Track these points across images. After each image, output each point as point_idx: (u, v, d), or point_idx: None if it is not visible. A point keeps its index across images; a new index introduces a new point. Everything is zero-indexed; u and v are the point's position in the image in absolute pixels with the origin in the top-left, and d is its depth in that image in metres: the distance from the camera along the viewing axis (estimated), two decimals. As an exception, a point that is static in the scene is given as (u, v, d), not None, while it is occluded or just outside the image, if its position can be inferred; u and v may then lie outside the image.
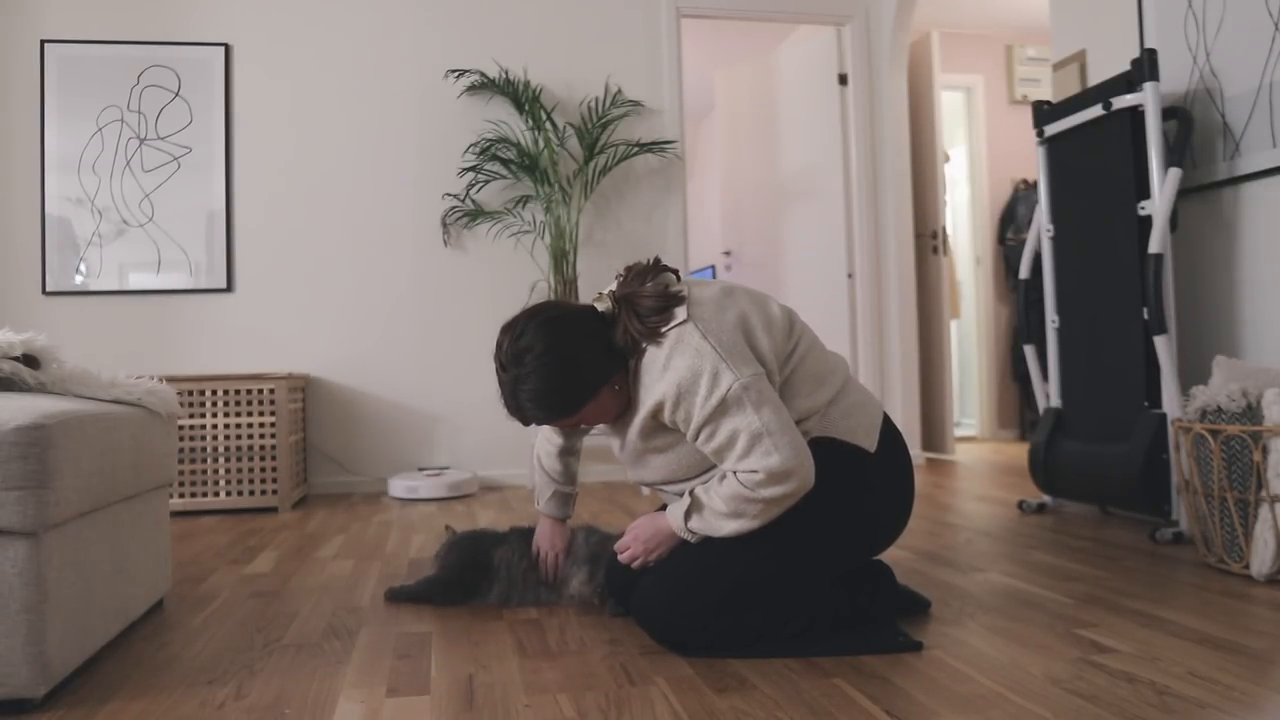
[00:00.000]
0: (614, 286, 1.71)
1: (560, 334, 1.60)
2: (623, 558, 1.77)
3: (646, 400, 1.61)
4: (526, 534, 2.07)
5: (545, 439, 2.00)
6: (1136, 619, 1.79)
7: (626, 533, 1.78)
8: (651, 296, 1.62)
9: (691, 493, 1.66)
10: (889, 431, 1.75)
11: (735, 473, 1.56)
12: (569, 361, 1.58)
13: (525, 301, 4.22)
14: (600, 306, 1.67)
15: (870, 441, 1.70)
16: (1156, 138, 2.67)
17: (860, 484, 1.68)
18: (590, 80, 4.30)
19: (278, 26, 4.09)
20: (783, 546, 1.63)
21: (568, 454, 2.01)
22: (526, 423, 1.64)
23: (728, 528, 1.59)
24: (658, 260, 1.72)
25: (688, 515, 1.64)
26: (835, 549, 1.69)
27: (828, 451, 1.65)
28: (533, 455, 4.13)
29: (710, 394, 1.53)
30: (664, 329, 1.59)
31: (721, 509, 1.58)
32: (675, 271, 1.71)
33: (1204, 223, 2.86)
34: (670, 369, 1.57)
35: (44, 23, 3.92)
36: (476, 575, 2.01)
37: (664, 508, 1.81)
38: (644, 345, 1.61)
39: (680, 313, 1.60)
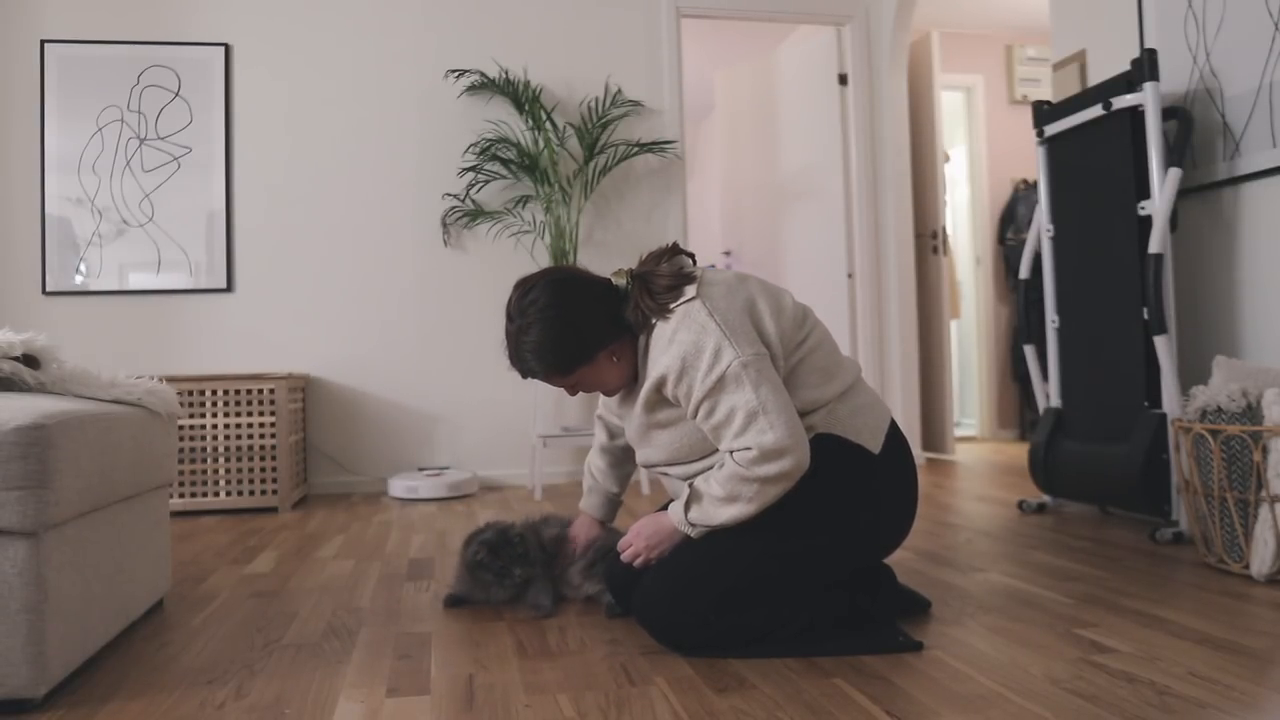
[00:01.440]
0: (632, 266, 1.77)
1: (567, 292, 1.68)
2: (625, 556, 1.77)
3: (652, 372, 1.65)
4: (541, 526, 2.07)
5: (596, 435, 2.07)
6: (1136, 619, 1.79)
7: (629, 531, 1.79)
8: (666, 276, 1.67)
9: (691, 485, 1.67)
10: (894, 436, 1.75)
11: (732, 453, 1.58)
12: (570, 318, 1.66)
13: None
14: (616, 280, 1.73)
15: (875, 444, 1.70)
16: (1156, 138, 2.67)
17: (862, 484, 1.68)
18: (590, 80, 4.31)
19: (278, 27, 4.09)
20: (783, 546, 1.63)
21: (610, 453, 2.05)
22: (525, 375, 1.72)
23: (725, 513, 1.60)
24: (675, 245, 1.77)
25: (687, 507, 1.66)
26: (836, 550, 1.69)
27: (831, 449, 1.65)
28: (533, 455, 4.13)
29: (711, 369, 1.56)
30: (673, 305, 1.64)
31: (718, 493, 1.59)
32: (692, 255, 1.77)
33: (1204, 223, 2.86)
34: (675, 342, 1.61)
35: (44, 23, 3.92)
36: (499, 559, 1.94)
37: (665, 507, 1.81)
38: (654, 321, 1.66)
39: (690, 290, 1.65)
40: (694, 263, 1.76)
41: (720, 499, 1.60)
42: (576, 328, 1.66)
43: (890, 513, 1.73)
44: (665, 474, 1.80)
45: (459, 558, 2.00)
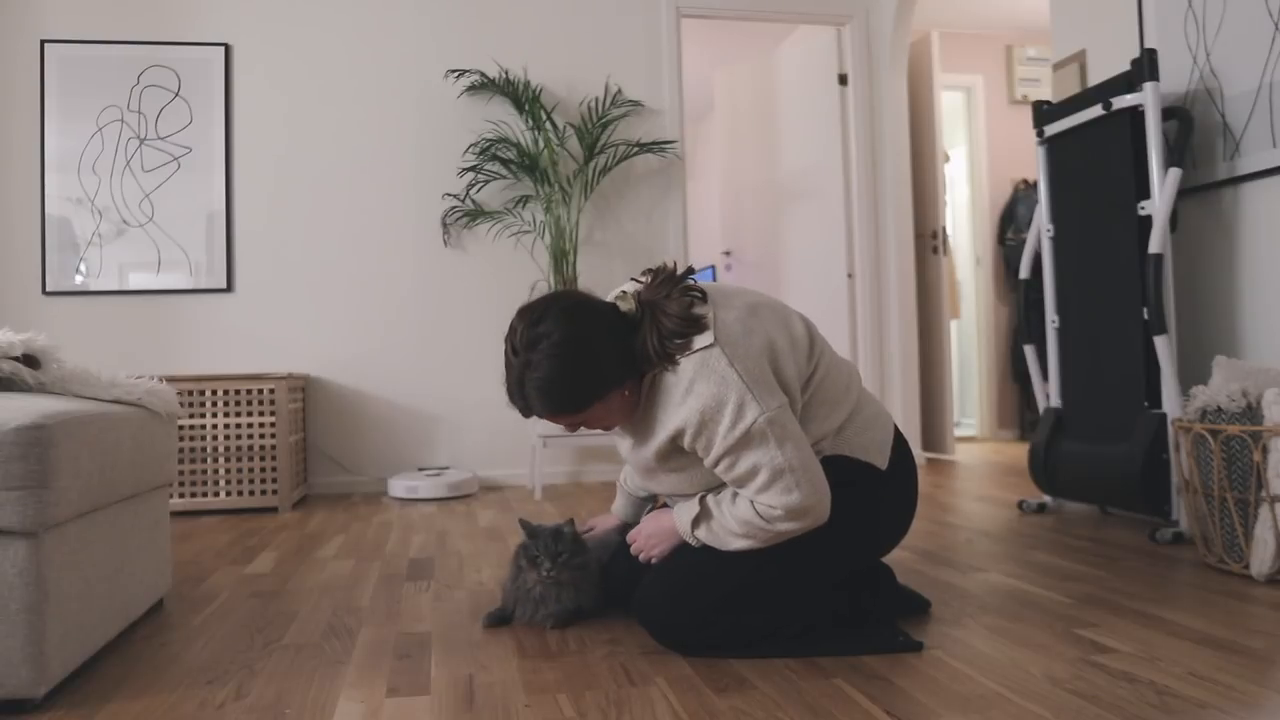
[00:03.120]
0: (638, 287, 1.63)
1: (581, 326, 1.52)
2: (633, 549, 1.78)
3: (667, 424, 1.56)
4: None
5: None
6: (1136, 619, 1.79)
7: (635, 527, 1.80)
8: (675, 317, 1.53)
9: (702, 500, 1.64)
10: (899, 445, 1.74)
11: (753, 502, 1.54)
12: (586, 357, 1.51)
13: (525, 301, 4.22)
14: (624, 306, 1.60)
15: (883, 459, 1.68)
16: (1156, 138, 2.67)
17: (871, 501, 1.68)
18: (590, 80, 4.30)
19: (278, 27, 4.09)
20: (787, 553, 1.62)
21: None
22: (527, 414, 1.57)
23: (735, 545, 1.59)
24: (690, 270, 1.64)
25: (696, 523, 1.64)
26: (839, 558, 1.69)
27: (840, 469, 1.63)
28: (533, 455, 4.13)
29: (735, 425, 1.48)
30: (680, 356, 1.53)
31: (734, 529, 1.57)
32: (702, 292, 1.60)
33: (1204, 223, 2.86)
34: (694, 394, 1.51)
35: (44, 23, 3.92)
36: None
37: (664, 505, 1.81)
38: (668, 354, 1.54)
39: (703, 338, 1.53)
40: (703, 297, 1.59)
41: (734, 533, 1.58)
42: (593, 367, 1.51)
43: (894, 519, 1.73)
44: (669, 497, 1.78)
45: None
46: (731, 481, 1.55)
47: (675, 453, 1.62)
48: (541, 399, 1.53)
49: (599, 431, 3.86)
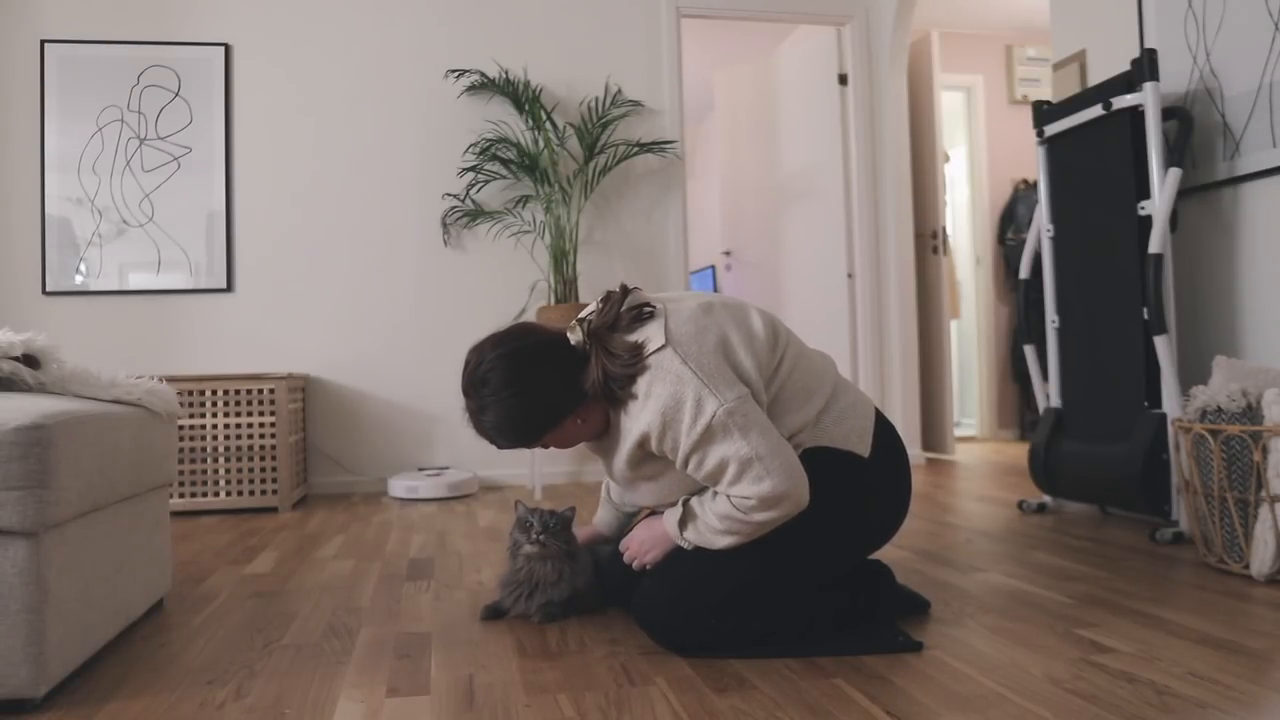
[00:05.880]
0: (590, 313, 1.67)
1: (518, 368, 1.57)
2: (625, 557, 1.78)
3: (632, 431, 1.59)
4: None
5: None
6: (1136, 619, 1.79)
7: (629, 533, 1.79)
8: (620, 357, 1.56)
9: (685, 502, 1.65)
10: (882, 430, 1.73)
11: (729, 496, 1.55)
12: (526, 396, 1.57)
13: (525, 301, 4.23)
14: (573, 338, 1.64)
15: (864, 446, 1.68)
16: (1156, 138, 2.67)
17: (858, 491, 1.67)
18: (590, 80, 4.31)
19: (278, 26, 4.09)
20: (783, 551, 1.63)
21: None
22: (498, 446, 1.65)
23: (722, 542, 1.59)
24: (625, 288, 1.67)
25: (682, 525, 1.65)
26: (835, 553, 1.69)
27: (822, 461, 1.63)
28: (533, 455, 4.13)
29: (695, 421, 1.50)
30: (634, 377, 1.55)
31: (716, 525, 1.58)
32: (651, 306, 1.63)
33: (1204, 223, 2.86)
34: (652, 397, 1.54)
35: (44, 23, 3.92)
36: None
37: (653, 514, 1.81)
38: (615, 389, 1.57)
39: (656, 341, 1.56)
40: (652, 311, 1.62)
41: (718, 530, 1.58)
42: (536, 404, 1.58)
43: (888, 510, 1.73)
44: (654, 508, 1.79)
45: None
46: (704, 479, 1.57)
47: (646, 459, 1.64)
48: (498, 436, 1.61)
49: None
